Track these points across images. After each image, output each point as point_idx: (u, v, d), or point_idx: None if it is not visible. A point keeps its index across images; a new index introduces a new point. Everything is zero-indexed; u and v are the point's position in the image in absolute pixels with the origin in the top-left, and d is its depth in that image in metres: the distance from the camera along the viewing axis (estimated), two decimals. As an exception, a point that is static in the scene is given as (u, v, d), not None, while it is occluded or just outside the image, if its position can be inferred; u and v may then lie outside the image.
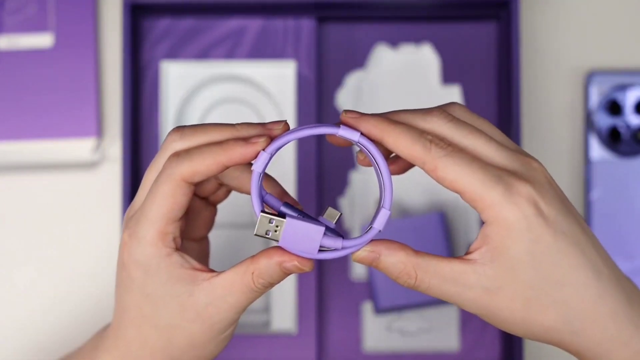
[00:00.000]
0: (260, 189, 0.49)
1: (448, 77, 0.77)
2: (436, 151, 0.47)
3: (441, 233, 0.73)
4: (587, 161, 0.75)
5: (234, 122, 0.51)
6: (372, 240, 0.49)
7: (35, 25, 0.75)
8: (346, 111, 0.50)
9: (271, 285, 0.50)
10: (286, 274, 0.49)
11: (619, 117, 0.75)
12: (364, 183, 0.76)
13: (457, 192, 0.47)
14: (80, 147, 0.75)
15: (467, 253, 0.48)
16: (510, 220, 0.47)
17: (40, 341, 0.75)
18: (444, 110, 0.50)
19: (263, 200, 0.50)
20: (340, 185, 0.76)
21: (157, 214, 0.49)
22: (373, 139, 0.49)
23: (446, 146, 0.48)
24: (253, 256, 0.49)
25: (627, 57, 0.77)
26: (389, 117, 0.50)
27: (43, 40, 0.75)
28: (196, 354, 0.51)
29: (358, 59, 0.77)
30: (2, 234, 0.76)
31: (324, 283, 0.75)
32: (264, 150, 0.49)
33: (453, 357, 0.75)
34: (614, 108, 0.75)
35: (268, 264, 0.49)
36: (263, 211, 0.48)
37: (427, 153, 0.48)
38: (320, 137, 0.75)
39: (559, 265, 0.48)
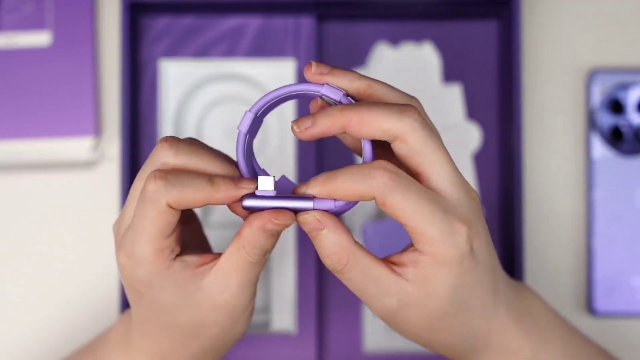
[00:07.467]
0: (247, 150, 0.50)
1: (449, 75, 0.76)
2: (384, 185, 0.47)
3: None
4: (589, 160, 0.75)
5: (224, 151, 0.53)
6: (320, 211, 0.49)
7: (33, 24, 0.75)
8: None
9: (267, 251, 0.50)
10: (273, 235, 0.49)
11: (621, 115, 0.75)
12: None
13: (400, 222, 0.48)
14: (78, 146, 0.74)
15: (394, 263, 0.49)
16: (446, 258, 0.48)
17: (37, 338, 0.75)
18: (417, 109, 0.49)
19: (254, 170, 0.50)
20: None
21: (149, 234, 0.49)
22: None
23: (395, 177, 0.47)
24: (238, 232, 0.50)
25: (630, 55, 0.76)
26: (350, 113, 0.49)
27: (41, 38, 0.75)
28: (225, 337, 0.53)
29: (358, 58, 0.76)
30: (0, 233, 0.76)
31: (324, 283, 0.75)
32: (249, 110, 0.50)
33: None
34: (616, 107, 0.75)
35: (252, 233, 0.49)
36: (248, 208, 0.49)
37: (376, 187, 0.47)
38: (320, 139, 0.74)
39: (472, 293, 0.50)
